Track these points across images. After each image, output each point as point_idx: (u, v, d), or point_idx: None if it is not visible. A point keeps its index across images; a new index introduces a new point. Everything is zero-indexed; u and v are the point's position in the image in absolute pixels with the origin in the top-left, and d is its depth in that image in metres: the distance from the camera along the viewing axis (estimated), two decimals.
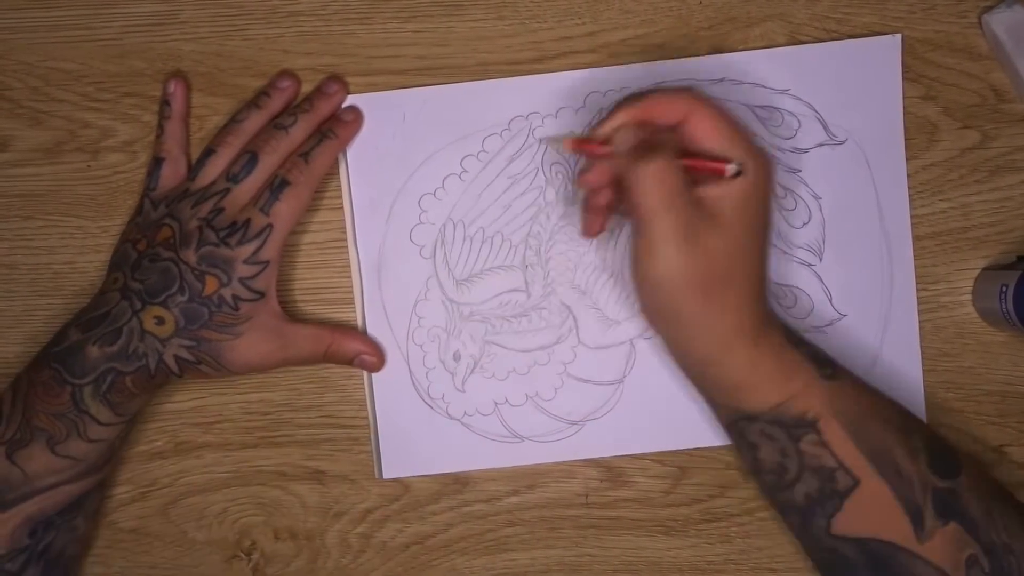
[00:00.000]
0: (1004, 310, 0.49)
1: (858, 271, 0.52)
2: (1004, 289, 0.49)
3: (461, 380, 0.52)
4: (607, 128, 0.45)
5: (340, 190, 0.53)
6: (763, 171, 0.43)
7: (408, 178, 0.52)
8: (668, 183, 0.42)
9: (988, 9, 0.51)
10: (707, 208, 0.43)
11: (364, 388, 0.53)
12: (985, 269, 0.52)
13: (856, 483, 0.43)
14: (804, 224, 0.52)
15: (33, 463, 0.46)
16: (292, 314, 0.53)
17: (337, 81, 0.52)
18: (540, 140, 0.52)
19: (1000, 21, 0.51)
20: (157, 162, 0.51)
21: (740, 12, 0.52)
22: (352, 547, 0.53)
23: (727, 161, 0.43)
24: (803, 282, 0.52)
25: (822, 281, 0.52)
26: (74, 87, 0.53)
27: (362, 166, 0.52)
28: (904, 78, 0.52)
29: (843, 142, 0.52)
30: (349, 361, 0.51)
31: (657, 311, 0.45)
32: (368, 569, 0.53)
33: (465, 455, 0.53)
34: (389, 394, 0.53)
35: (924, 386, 0.52)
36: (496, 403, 0.53)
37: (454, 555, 0.53)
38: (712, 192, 0.43)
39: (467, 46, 0.53)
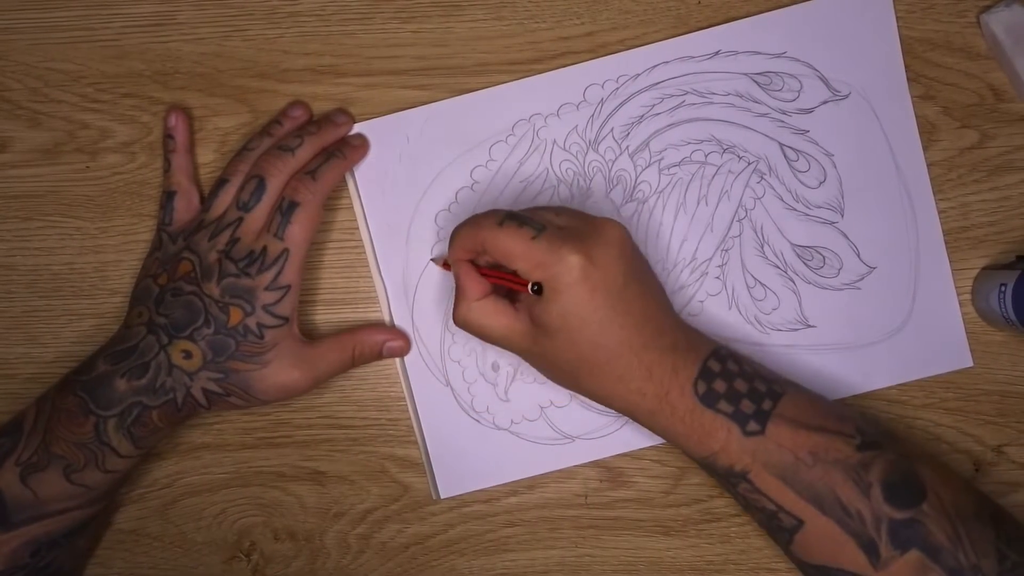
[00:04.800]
0: (1003, 310, 0.49)
1: (881, 222, 0.52)
2: (1003, 288, 0.49)
3: (503, 389, 0.52)
4: (450, 263, 0.48)
5: (356, 222, 0.53)
6: (578, 267, 0.43)
7: (421, 198, 0.52)
8: (471, 326, 0.46)
9: (987, 9, 0.51)
10: (538, 319, 0.44)
11: (409, 412, 0.53)
12: (984, 269, 0.52)
13: (800, 523, 0.43)
14: (820, 183, 0.52)
15: (46, 488, 0.46)
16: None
17: (346, 113, 0.52)
18: (431, 260, 0.52)
19: (999, 21, 0.51)
20: (169, 196, 0.51)
21: (740, 12, 0.52)
22: (352, 547, 0.53)
23: (526, 280, 0.44)
24: (828, 241, 0.52)
25: (847, 237, 0.52)
26: (73, 88, 0.53)
27: (374, 193, 0.52)
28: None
29: (847, 96, 0.52)
30: (378, 355, 0.51)
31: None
32: (368, 569, 0.53)
33: (519, 463, 0.53)
34: (434, 414, 0.52)
35: (964, 324, 0.52)
36: (541, 407, 0.52)
37: (454, 555, 0.53)
38: (543, 305, 0.44)
39: (466, 46, 0.53)
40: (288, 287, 0.47)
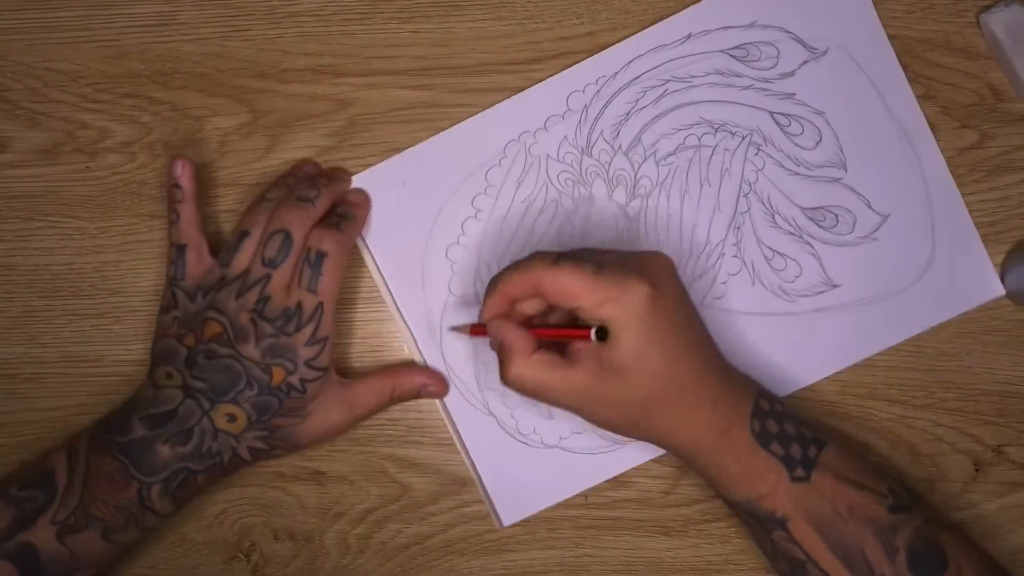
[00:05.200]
0: None
1: (886, 168, 0.52)
2: None
3: (546, 408, 0.52)
4: (484, 319, 0.46)
5: (369, 272, 0.53)
6: (647, 297, 0.42)
7: (428, 237, 0.52)
8: (527, 385, 0.44)
9: (986, 9, 0.51)
10: (606, 362, 0.42)
11: (458, 448, 0.53)
12: (1015, 248, 0.52)
13: None
14: (817, 143, 0.52)
15: (82, 547, 0.46)
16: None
17: (347, 171, 0.52)
18: (450, 329, 0.52)
19: (998, 21, 0.51)
20: (179, 250, 0.48)
21: None
22: (351, 548, 0.53)
23: (587, 328, 0.42)
24: (837, 198, 0.52)
25: (855, 191, 0.52)
26: (72, 88, 0.53)
27: (381, 241, 0.52)
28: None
29: (825, 52, 0.52)
30: (416, 396, 0.51)
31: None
32: (367, 570, 0.53)
33: (574, 476, 0.52)
34: (482, 444, 0.52)
35: (993, 264, 0.52)
36: None
37: (453, 555, 0.53)
38: (612, 345, 0.42)
39: (466, 46, 0.53)
40: (326, 338, 0.47)
